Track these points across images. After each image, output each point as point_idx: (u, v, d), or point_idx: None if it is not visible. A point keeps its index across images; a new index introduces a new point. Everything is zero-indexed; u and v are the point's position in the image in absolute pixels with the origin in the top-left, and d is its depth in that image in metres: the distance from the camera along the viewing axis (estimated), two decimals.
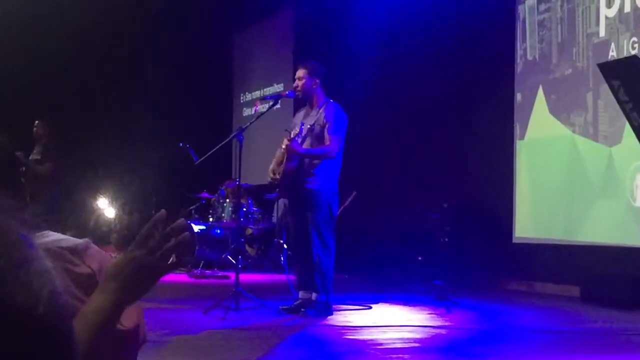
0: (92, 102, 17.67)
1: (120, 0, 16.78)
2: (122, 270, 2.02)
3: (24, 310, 0.70)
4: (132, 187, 16.67)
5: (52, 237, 2.52)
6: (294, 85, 8.93)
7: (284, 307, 8.72)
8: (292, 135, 8.58)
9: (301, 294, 8.74)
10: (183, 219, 2.19)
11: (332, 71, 9.16)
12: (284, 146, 8.57)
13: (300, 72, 8.84)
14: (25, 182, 2.57)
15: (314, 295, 8.59)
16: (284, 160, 8.61)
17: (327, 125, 8.51)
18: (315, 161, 8.56)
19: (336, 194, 8.72)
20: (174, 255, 2.13)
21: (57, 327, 0.75)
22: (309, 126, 8.60)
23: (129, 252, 2.06)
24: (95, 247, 2.62)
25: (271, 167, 8.87)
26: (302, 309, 8.57)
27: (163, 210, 2.12)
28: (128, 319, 2.56)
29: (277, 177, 8.74)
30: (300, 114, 9.01)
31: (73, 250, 2.50)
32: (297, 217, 8.76)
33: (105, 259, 2.62)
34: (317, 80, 8.74)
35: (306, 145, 8.60)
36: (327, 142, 8.49)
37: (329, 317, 8.43)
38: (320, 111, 8.64)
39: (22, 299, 0.70)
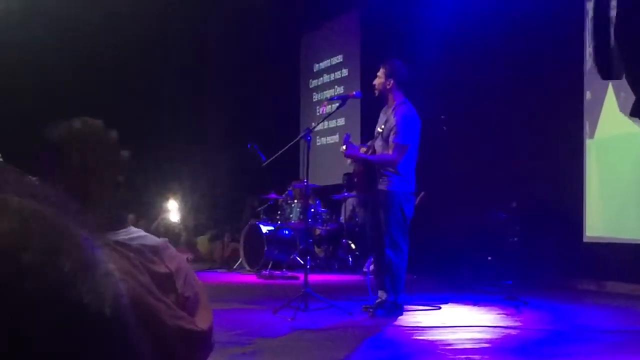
0: (161, 104, 17.84)
1: (187, 3, 16.92)
2: None
3: (92, 312, 0.72)
4: (201, 188, 16.80)
5: (136, 233, 2.57)
6: (374, 82, 8.91)
7: (366, 305, 8.79)
8: (341, 149, 8.71)
9: (380, 293, 8.76)
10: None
11: None
12: (341, 151, 8.67)
13: (380, 71, 8.84)
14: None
15: (383, 296, 8.60)
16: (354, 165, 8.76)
17: (392, 132, 8.52)
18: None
19: (411, 195, 8.68)
20: None
21: (123, 329, 0.77)
22: (380, 128, 8.65)
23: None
24: (172, 247, 2.68)
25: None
26: (370, 309, 8.59)
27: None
28: (203, 321, 2.61)
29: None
30: (383, 111, 9.02)
31: (154, 250, 2.55)
32: (372, 217, 8.80)
33: (182, 260, 2.67)
34: (391, 81, 8.72)
35: (378, 146, 8.66)
36: (390, 150, 8.50)
37: (398, 317, 8.42)
38: (392, 115, 8.64)
39: (89, 301, 0.72)
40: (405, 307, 8.82)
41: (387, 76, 8.75)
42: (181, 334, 2.47)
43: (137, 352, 0.80)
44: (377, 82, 8.83)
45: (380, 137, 8.68)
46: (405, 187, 8.58)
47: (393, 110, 8.67)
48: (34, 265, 0.71)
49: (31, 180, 0.84)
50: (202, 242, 17.22)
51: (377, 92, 8.92)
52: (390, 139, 8.54)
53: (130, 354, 0.78)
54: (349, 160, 9.00)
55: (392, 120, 8.58)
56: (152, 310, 2.39)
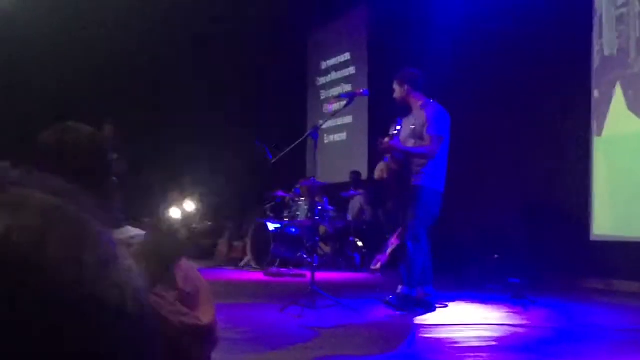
0: (168, 103, 17.85)
1: (194, 1, 16.92)
2: (146, 252, 2.13)
3: (114, 307, 0.73)
4: (208, 186, 16.80)
5: (133, 232, 2.57)
6: (394, 97, 9.09)
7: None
8: (391, 132, 8.72)
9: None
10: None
11: None
12: (384, 145, 8.70)
13: (394, 84, 9.05)
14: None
15: (399, 287, 8.69)
16: (390, 161, 8.81)
17: (426, 125, 8.63)
18: (423, 160, 8.64)
19: (439, 194, 8.81)
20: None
21: (144, 324, 0.77)
22: (411, 127, 8.73)
23: (148, 235, 2.18)
24: None
25: (380, 165, 9.00)
26: (387, 298, 8.77)
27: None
28: (206, 315, 2.61)
29: (385, 176, 8.88)
30: (407, 118, 9.10)
31: None
32: (405, 214, 8.89)
33: (190, 267, 2.67)
34: (406, 86, 8.88)
35: (409, 145, 8.75)
36: (427, 143, 8.59)
37: (412, 312, 8.54)
38: (421, 113, 8.80)
39: (111, 296, 0.73)
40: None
41: (400, 84, 8.93)
42: (185, 329, 2.47)
43: (155, 345, 0.80)
44: (395, 95, 9.03)
45: (412, 134, 8.77)
46: (434, 184, 8.70)
47: (421, 108, 8.83)
48: (56, 259, 0.71)
49: (54, 178, 0.84)
50: (222, 243, 17.13)
51: (399, 103, 9.10)
52: (424, 132, 8.64)
53: (149, 346, 0.79)
54: (380, 170, 9.03)
55: (423, 117, 8.76)
56: (153, 307, 2.38)
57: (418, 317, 8.33)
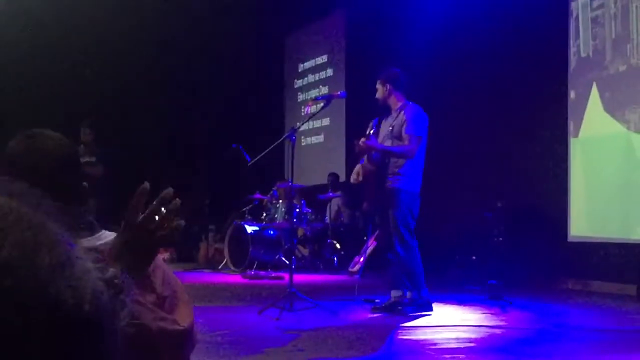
0: (145, 105, 17.79)
1: (172, 3, 16.88)
2: (121, 253, 2.08)
3: (70, 308, 0.72)
4: (186, 188, 16.76)
5: (109, 237, 2.55)
6: (376, 97, 9.10)
7: (376, 306, 8.92)
8: (367, 132, 8.74)
9: (393, 292, 8.89)
10: (170, 188, 2.24)
11: None
12: (360, 143, 8.68)
13: (377, 84, 9.07)
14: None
15: (408, 294, 8.73)
16: (366, 162, 8.80)
17: (405, 125, 8.64)
18: (400, 161, 8.68)
19: (417, 195, 8.81)
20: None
21: (102, 325, 0.77)
22: (389, 128, 8.74)
23: (120, 234, 2.14)
24: None
25: (356, 169, 8.99)
26: (399, 307, 8.72)
27: (146, 183, 2.19)
28: (184, 318, 2.59)
29: (361, 179, 8.88)
30: (386, 119, 9.12)
31: None
32: (383, 216, 8.91)
33: (158, 259, 2.65)
34: (388, 86, 8.91)
35: (387, 145, 8.78)
36: (406, 142, 8.59)
37: (428, 312, 8.66)
38: (400, 113, 8.83)
39: (68, 298, 0.72)
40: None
41: (383, 84, 8.98)
42: (164, 335, 2.45)
43: (115, 350, 0.79)
44: (378, 94, 9.05)
45: (389, 135, 8.78)
46: (412, 186, 8.72)
47: (400, 109, 8.89)
48: (12, 260, 0.71)
49: (12, 181, 0.84)
50: (203, 246, 17.02)
51: (381, 103, 9.11)
52: (403, 132, 8.67)
53: (107, 351, 0.78)
54: (356, 173, 9.02)
55: (402, 117, 8.79)
56: (134, 314, 2.36)
57: (397, 319, 8.33)
